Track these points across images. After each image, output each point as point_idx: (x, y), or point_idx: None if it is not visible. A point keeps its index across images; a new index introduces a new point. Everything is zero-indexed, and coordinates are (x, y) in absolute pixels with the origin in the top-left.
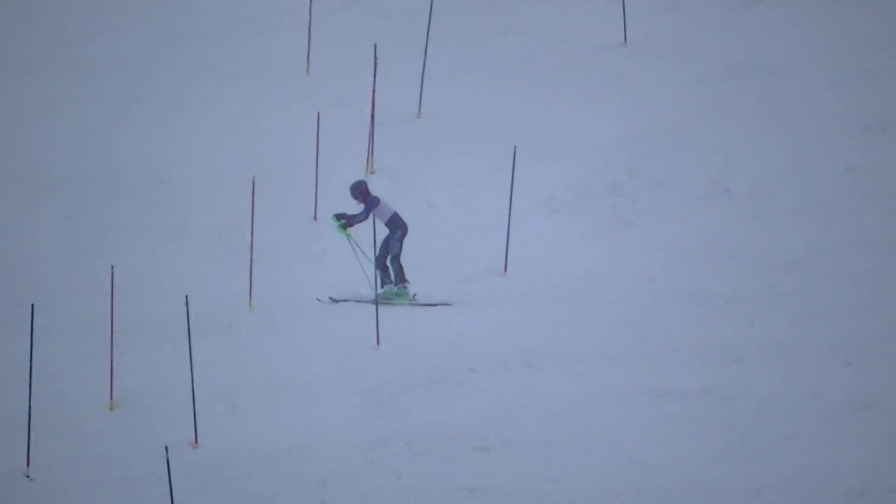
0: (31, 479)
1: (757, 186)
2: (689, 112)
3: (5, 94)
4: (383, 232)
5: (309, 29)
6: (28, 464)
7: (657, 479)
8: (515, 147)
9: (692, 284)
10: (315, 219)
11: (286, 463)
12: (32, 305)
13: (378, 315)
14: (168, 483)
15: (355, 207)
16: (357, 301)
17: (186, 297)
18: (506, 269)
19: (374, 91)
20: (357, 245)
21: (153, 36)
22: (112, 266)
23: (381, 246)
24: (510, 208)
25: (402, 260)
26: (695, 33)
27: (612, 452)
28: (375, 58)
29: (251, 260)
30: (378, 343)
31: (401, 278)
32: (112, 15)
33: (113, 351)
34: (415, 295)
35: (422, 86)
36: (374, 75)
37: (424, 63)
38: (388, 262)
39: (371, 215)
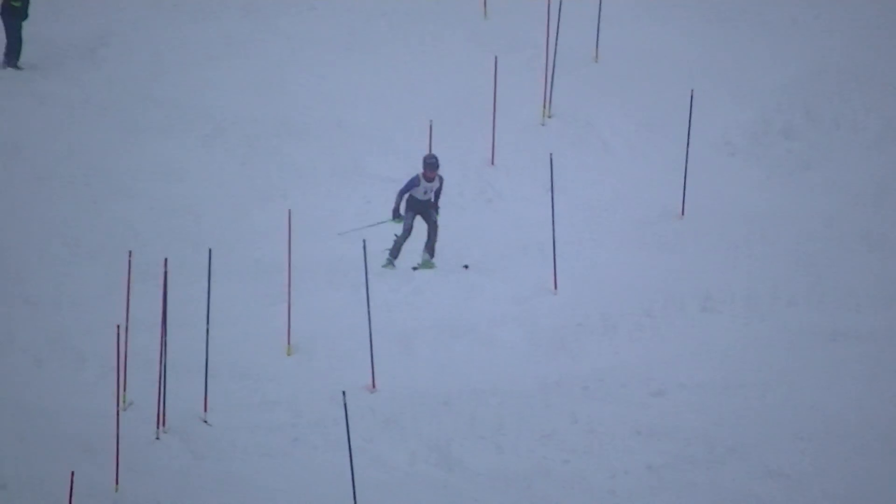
0: (207, 424)
1: None
2: (865, 54)
3: (183, 39)
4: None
5: None
6: (205, 409)
7: (833, 424)
8: (692, 90)
9: (867, 227)
10: (492, 163)
11: (462, 407)
12: (210, 249)
13: (556, 260)
14: (346, 427)
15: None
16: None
17: (364, 240)
18: (683, 213)
19: (549, 35)
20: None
21: None
22: (289, 210)
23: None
24: (687, 151)
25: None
26: None
27: (789, 396)
28: (550, 3)
29: None
30: (556, 288)
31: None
32: None
33: (290, 295)
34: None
35: (598, 29)
36: (550, 20)
37: (601, 6)
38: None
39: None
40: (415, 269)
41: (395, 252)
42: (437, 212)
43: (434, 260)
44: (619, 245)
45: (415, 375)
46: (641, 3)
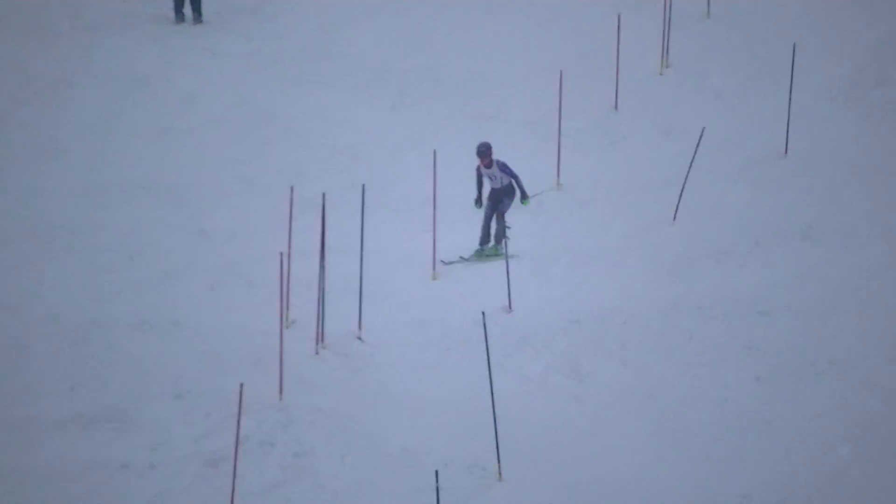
0: (361, 341)
1: None
2: None
3: (340, 2)
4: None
5: None
6: (360, 327)
7: None
8: (795, 44)
9: None
10: (616, 108)
11: (591, 326)
12: (363, 186)
13: (683, 192)
14: (486, 344)
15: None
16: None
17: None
18: (786, 152)
19: None
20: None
21: None
22: (434, 150)
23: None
24: (790, 98)
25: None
26: None
27: (883, 316)
28: None
29: (559, 144)
30: (674, 218)
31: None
32: None
33: (435, 228)
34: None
35: None
36: None
37: None
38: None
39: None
40: (465, 258)
41: (483, 240)
42: (524, 199)
43: (500, 246)
44: (730, 181)
45: (547, 298)
46: None
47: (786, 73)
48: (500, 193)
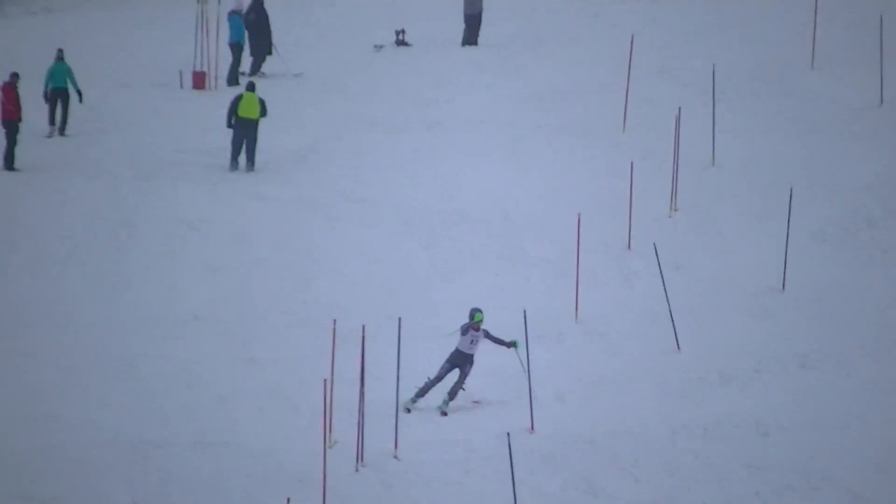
0: (397, 459)
1: None
2: None
3: (377, 147)
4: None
5: (626, 95)
6: (396, 446)
7: None
8: (791, 188)
9: None
10: (629, 247)
11: (605, 446)
12: (399, 319)
13: (674, 322)
14: (510, 462)
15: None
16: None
17: (525, 310)
18: (784, 287)
19: (676, 144)
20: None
21: (498, 98)
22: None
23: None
24: (787, 239)
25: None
26: None
27: (871, 434)
28: (678, 118)
29: (577, 280)
30: (679, 347)
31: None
32: (463, 82)
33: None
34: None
35: (713, 139)
36: (678, 132)
37: (714, 120)
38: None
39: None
40: (443, 413)
41: (421, 392)
42: (513, 345)
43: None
44: (732, 313)
45: (566, 420)
46: (749, 117)
47: (784, 216)
48: (463, 359)
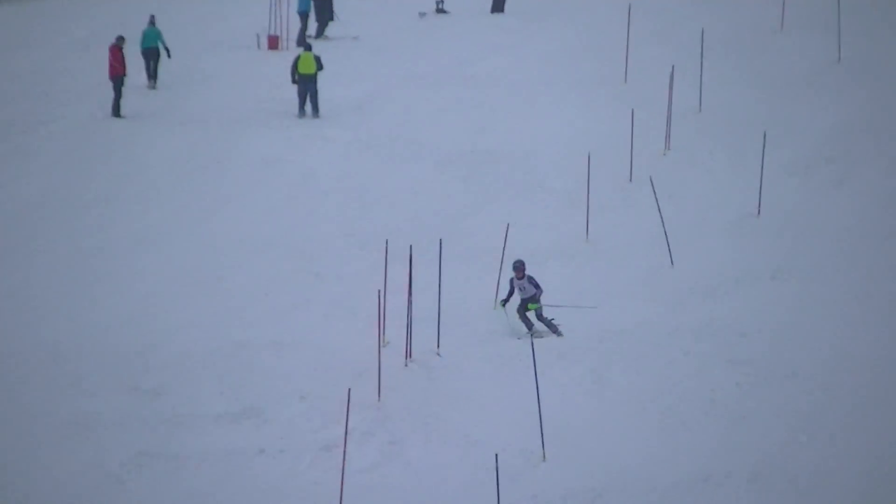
0: (440, 356)
1: None
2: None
3: (423, 98)
4: None
5: (626, 54)
6: (438, 346)
7: None
8: (765, 131)
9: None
10: (630, 180)
11: (611, 344)
12: (440, 240)
13: (668, 242)
14: (532, 359)
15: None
16: None
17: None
18: (759, 213)
19: (670, 94)
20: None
21: (522, 57)
22: (509, 223)
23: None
24: (762, 172)
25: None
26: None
27: (836, 337)
28: (672, 73)
29: (587, 208)
30: (672, 263)
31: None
32: (492, 44)
33: (500, 270)
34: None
35: (701, 90)
36: (670, 84)
37: (701, 75)
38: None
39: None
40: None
41: (528, 328)
42: (534, 303)
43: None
44: (715, 234)
45: (578, 324)
46: (730, 72)
47: (758, 154)
48: (529, 301)
